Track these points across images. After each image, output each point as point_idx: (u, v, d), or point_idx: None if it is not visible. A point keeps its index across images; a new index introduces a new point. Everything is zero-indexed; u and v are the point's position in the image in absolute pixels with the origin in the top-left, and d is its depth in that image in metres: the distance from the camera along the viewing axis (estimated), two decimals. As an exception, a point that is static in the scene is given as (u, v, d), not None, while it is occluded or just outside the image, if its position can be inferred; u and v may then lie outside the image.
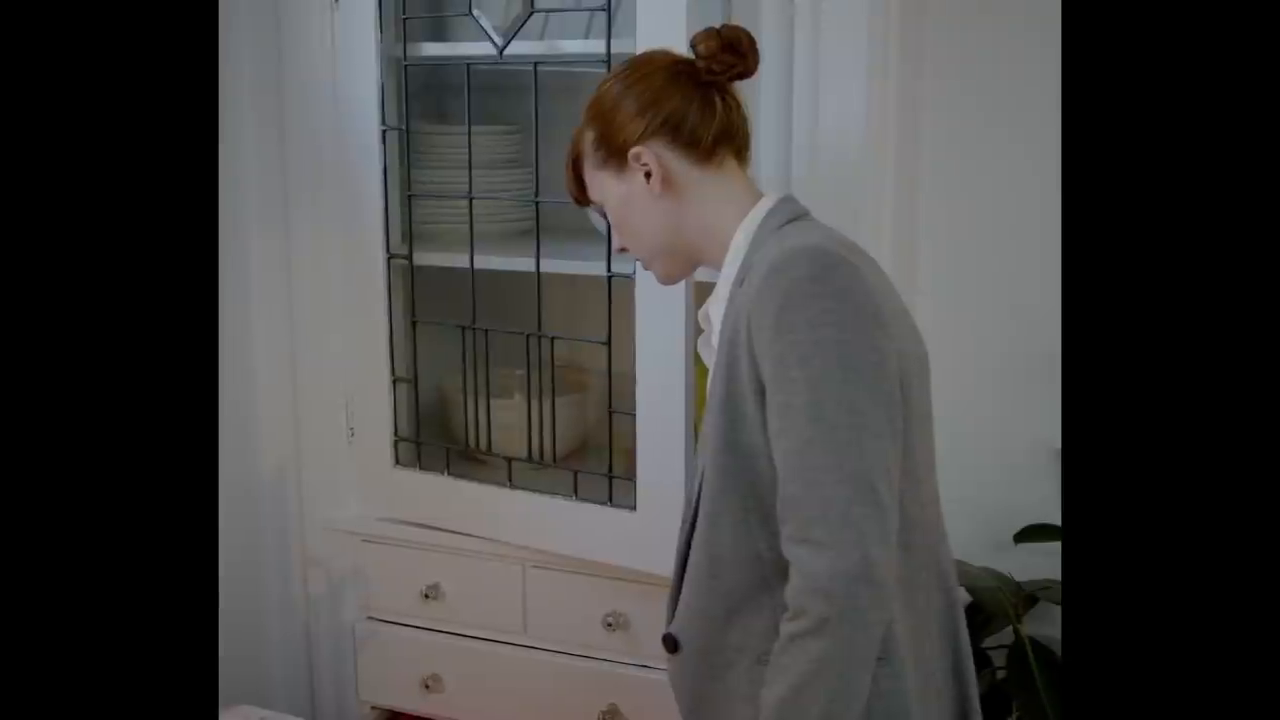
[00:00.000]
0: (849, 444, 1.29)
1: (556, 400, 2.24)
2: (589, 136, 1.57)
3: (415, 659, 2.37)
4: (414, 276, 2.28)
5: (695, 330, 1.58)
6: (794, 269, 1.33)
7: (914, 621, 1.42)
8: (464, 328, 2.26)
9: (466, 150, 2.19)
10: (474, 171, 2.19)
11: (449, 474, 2.30)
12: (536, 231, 2.14)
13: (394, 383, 2.32)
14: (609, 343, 2.08)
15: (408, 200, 2.27)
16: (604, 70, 1.98)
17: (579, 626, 2.23)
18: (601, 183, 1.57)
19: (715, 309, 1.52)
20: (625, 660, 2.20)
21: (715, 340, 1.49)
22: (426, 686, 2.36)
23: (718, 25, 1.55)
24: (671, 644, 1.53)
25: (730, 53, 1.52)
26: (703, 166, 1.52)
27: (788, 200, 1.52)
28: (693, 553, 1.48)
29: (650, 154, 1.51)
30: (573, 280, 2.27)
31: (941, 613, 1.49)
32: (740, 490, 1.41)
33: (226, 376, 2.28)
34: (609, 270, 2.04)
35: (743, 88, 1.57)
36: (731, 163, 1.54)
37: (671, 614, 1.54)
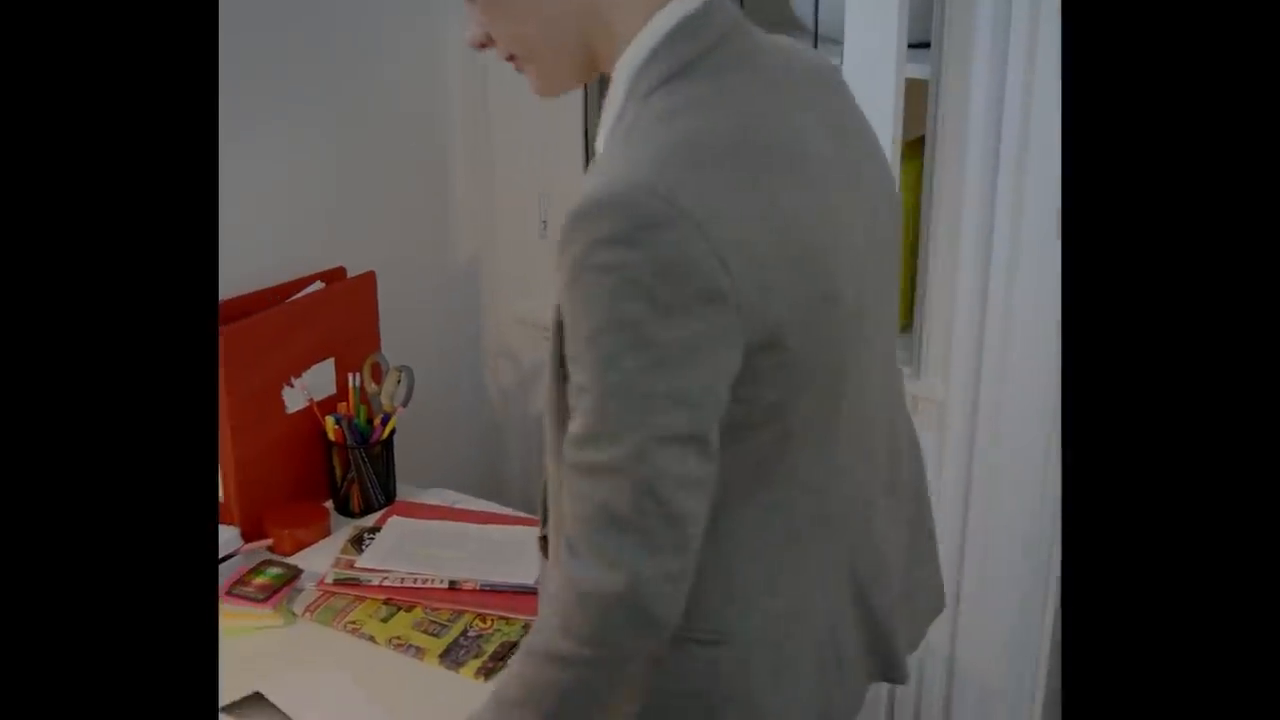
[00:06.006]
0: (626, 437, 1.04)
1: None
2: None
3: (602, 453, 2.40)
4: (610, 68, 2.22)
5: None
6: (594, 226, 1.03)
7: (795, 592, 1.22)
8: (660, 123, 2.19)
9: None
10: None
11: (640, 272, 2.27)
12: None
13: (587, 177, 2.28)
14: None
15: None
16: None
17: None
18: None
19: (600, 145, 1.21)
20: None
21: None
22: (612, 480, 2.38)
23: None
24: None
25: None
26: None
27: (697, 19, 1.12)
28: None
29: None
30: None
31: (840, 565, 1.26)
32: None
33: (423, 170, 2.29)
34: (814, 66, 1.93)
35: None
36: None
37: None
